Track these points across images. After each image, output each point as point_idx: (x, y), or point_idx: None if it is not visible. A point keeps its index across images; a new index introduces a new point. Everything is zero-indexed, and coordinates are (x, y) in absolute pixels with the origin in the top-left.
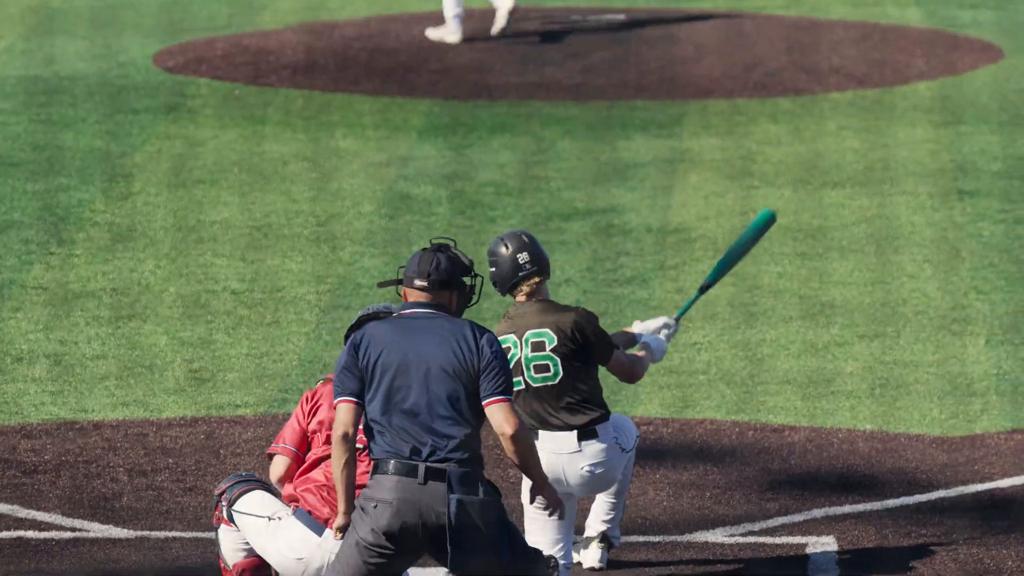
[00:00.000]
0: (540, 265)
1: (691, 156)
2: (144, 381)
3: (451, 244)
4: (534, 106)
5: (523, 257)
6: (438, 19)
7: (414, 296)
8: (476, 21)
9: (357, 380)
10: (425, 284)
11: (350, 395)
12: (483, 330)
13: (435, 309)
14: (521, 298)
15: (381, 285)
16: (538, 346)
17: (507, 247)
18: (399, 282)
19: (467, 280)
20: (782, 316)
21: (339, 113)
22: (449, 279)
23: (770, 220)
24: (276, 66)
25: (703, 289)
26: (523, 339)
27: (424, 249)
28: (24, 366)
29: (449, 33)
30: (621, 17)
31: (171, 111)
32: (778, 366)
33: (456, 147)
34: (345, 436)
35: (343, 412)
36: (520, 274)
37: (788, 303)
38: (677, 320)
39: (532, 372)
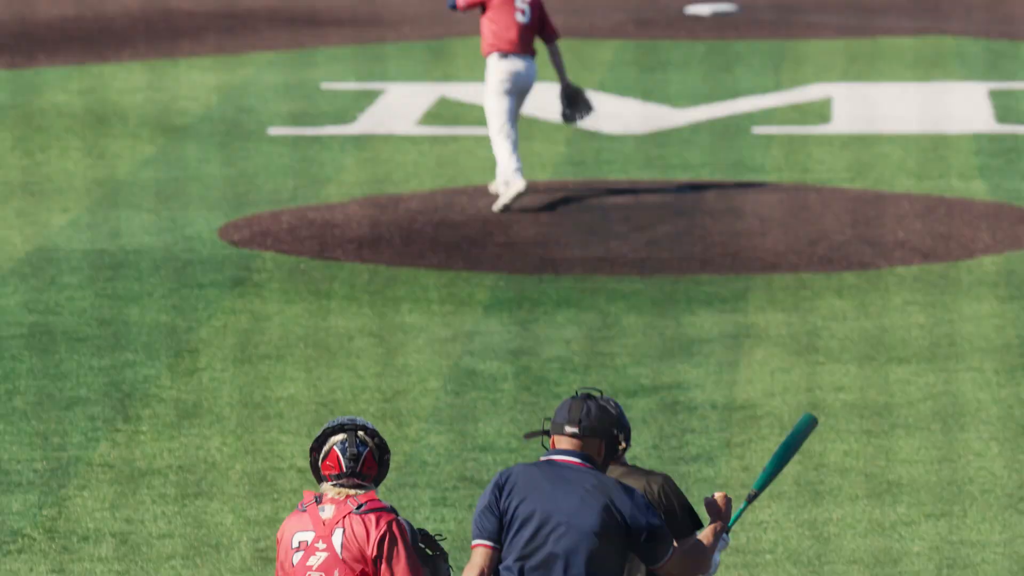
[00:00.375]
0: (627, 432)
1: (756, 331)
2: (210, 561)
3: (599, 393)
4: (599, 280)
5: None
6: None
7: (563, 444)
8: (543, 195)
9: (496, 521)
10: (576, 431)
11: (487, 538)
12: (631, 490)
13: (583, 460)
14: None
15: (528, 436)
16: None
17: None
18: (546, 432)
19: (615, 431)
20: (848, 495)
21: (404, 287)
22: (599, 426)
23: (811, 424)
24: (341, 240)
25: (750, 499)
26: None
27: (573, 397)
28: (90, 545)
29: (513, 187)
30: (686, 190)
31: (237, 285)
32: (844, 545)
33: (522, 322)
34: None
35: (478, 556)
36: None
37: (854, 481)
38: (727, 531)
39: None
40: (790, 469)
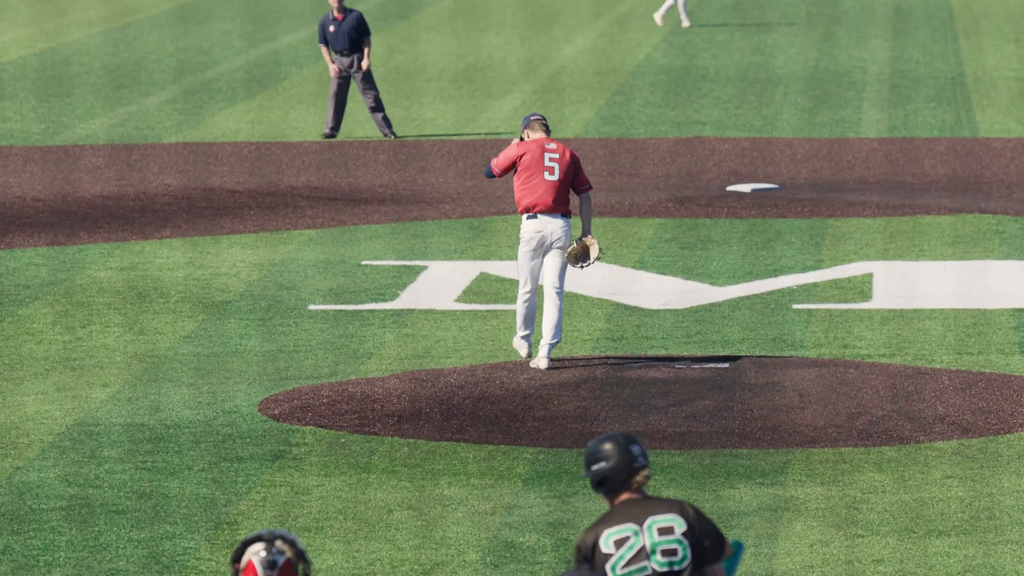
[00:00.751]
0: (647, 459)
1: (795, 505)
2: None
3: None
4: None
5: (636, 449)
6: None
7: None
8: (583, 370)
9: None
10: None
11: None
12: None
13: None
14: (627, 495)
15: None
16: (666, 531)
17: (616, 442)
18: None
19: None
20: None
21: (443, 461)
22: None
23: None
24: (381, 414)
25: None
26: (645, 526)
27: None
28: None
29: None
30: (725, 365)
31: (276, 459)
32: None
33: (561, 495)
34: None
35: None
36: (634, 465)
37: None
38: None
39: (659, 557)
40: None
